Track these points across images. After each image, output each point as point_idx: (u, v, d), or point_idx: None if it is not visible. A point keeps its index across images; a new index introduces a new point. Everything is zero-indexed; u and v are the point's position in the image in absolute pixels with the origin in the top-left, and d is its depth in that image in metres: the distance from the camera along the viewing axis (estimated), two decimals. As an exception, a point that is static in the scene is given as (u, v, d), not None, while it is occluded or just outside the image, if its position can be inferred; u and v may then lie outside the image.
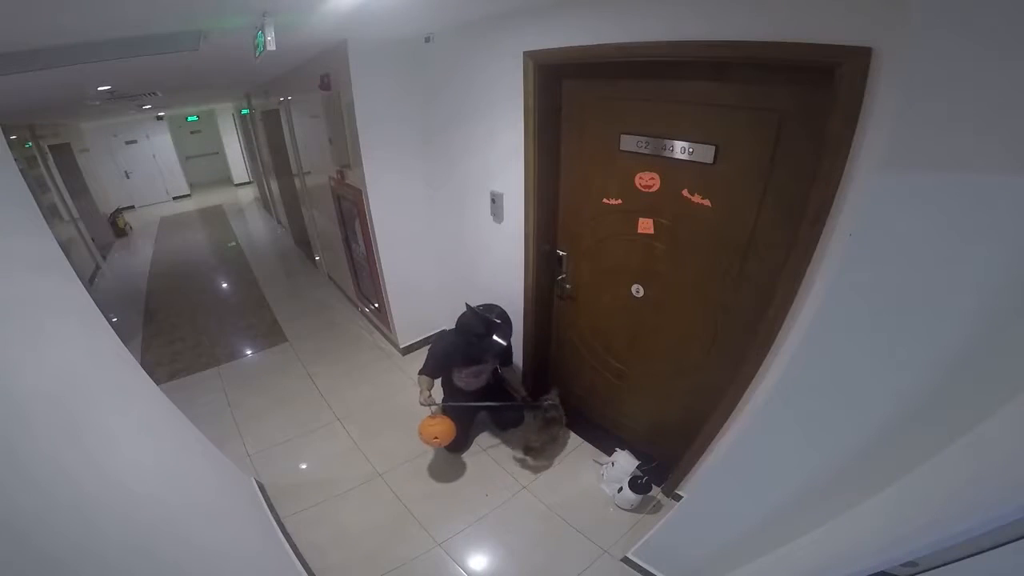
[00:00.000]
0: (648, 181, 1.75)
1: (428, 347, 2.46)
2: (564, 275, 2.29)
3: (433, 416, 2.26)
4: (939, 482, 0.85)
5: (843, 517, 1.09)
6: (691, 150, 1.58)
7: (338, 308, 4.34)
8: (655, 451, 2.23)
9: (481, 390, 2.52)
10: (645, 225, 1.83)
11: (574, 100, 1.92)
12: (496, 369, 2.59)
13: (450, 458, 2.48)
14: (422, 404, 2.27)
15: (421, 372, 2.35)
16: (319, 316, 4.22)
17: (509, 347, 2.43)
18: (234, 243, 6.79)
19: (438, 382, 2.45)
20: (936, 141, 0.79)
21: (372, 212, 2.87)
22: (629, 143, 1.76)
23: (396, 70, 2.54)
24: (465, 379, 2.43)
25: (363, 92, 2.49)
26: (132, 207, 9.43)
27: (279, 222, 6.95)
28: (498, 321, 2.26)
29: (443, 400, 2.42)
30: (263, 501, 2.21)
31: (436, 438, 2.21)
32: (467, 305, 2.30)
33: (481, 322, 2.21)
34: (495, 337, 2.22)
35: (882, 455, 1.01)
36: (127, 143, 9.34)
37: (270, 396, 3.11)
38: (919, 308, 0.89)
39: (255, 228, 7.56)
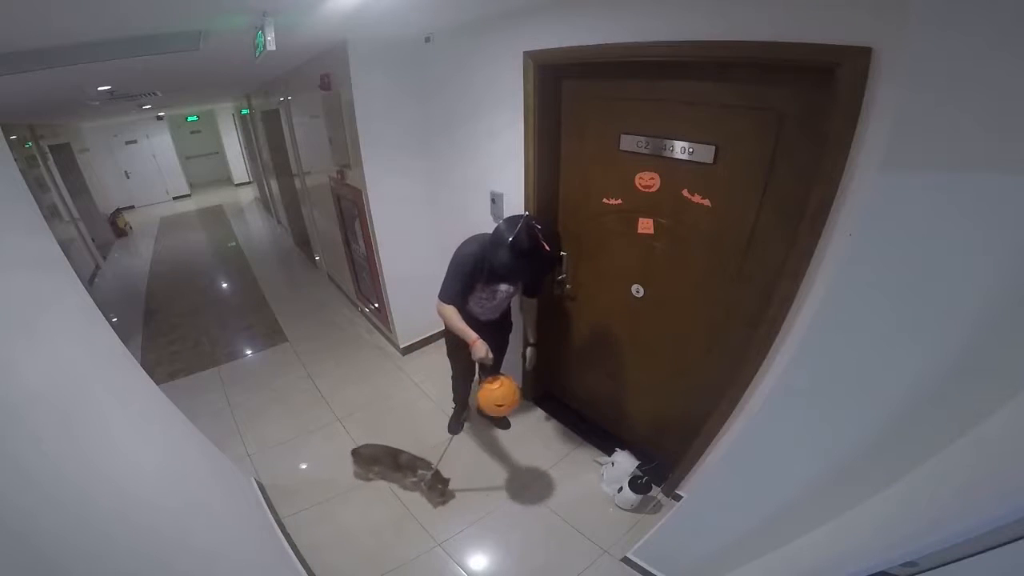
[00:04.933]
0: (648, 181, 1.75)
1: (449, 279, 1.95)
2: (564, 275, 2.28)
3: (493, 379, 1.84)
4: (939, 482, 0.85)
5: (843, 517, 1.09)
6: (691, 150, 1.58)
7: (338, 308, 4.33)
8: (655, 451, 2.23)
9: (491, 325, 2.08)
10: (645, 225, 1.83)
11: (574, 100, 1.92)
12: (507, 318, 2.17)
13: (452, 451, 2.46)
14: (480, 359, 1.81)
15: (446, 300, 1.87)
16: (319, 316, 4.22)
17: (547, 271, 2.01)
18: (234, 243, 6.79)
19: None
20: (936, 141, 0.79)
21: (372, 212, 2.87)
22: (629, 143, 1.76)
23: (396, 70, 2.54)
24: (483, 302, 2.00)
25: (363, 92, 2.49)
26: (132, 207, 9.42)
27: (279, 222, 6.95)
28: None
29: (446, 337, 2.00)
30: (263, 501, 2.21)
31: (500, 406, 1.85)
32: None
33: (526, 236, 1.69)
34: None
35: (882, 455, 1.01)
36: (127, 143, 9.34)
37: (270, 396, 3.11)
38: (919, 308, 0.89)
39: (255, 228, 7.56)
